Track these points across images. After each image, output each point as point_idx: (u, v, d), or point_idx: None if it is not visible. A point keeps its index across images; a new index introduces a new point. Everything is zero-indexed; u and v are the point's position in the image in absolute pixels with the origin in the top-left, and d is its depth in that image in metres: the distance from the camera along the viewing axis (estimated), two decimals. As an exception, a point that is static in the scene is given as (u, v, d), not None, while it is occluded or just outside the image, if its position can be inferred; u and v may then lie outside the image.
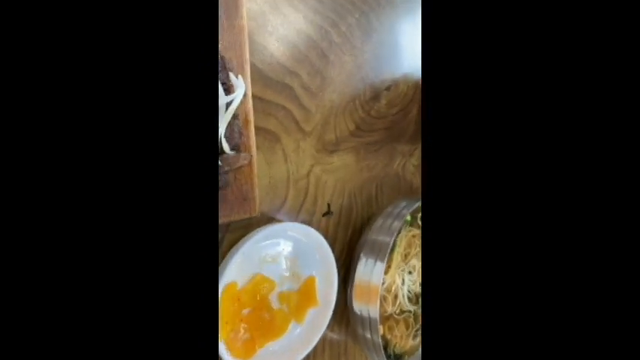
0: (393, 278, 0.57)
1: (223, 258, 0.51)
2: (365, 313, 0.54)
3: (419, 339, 0.63)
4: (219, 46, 0.46)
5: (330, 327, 0.58)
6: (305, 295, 0.55)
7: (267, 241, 0.52)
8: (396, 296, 0.58)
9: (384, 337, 0.57)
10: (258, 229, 0.51)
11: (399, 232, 0.57)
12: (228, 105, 0.45)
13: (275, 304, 0.54)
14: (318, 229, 0.56)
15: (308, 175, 0.58)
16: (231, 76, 0.46)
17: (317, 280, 0.56)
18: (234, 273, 0.49)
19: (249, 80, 0.48)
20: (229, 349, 0.49)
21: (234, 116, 0.46)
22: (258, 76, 0.51)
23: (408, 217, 0.59)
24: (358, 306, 0.55)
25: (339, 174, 0.61)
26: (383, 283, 0.55)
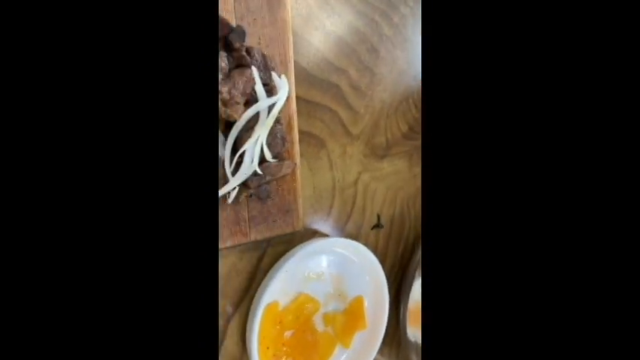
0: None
1: (264, 275, 0.46)
2: (421, 341, 0.48)
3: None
4: (261, 42, 0.42)
5: (379, 351, 0.52)
6: (352, 316, 0.50)
7: (311, 258, 0.47)
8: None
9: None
10: (301, 245, 0.46)
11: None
12: (270, 108, 0.40)
13: (319, 326, 0.49)
14: (366, 243, 0.51)
15: (355, 183, 0.52)
16: (274, 75, 0.41)
17: (365, 300, 0.50)
18: (276, 292, 0.45)
19: (292, 80, 0.44)
20: (271, 375, 0.44)
21: (277, 120, 0.41)
22: (302, 75, 0.46)
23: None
24: (413, 332, 0.50)
25: (389, 181, 0.55)
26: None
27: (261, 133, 0.39)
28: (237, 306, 0.45)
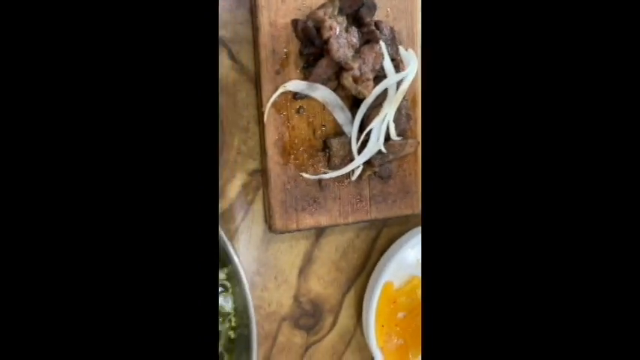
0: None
1: (379, 254, 0.46)
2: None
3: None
4: (389, 15, 0.40)
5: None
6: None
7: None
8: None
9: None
10: (418, 227, 0.45)
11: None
12: (398, 84, 0.39)
13: (431, 310, 0.48)
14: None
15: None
16: (401, 50, 0.40)
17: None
18: (391, 273, 0.44)
19: (419, 54, 0.42)
20: (384, 352, 0.45)
21: (403, 97, 0.40)
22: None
23: None
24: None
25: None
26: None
27: (389, 111, 0.38)
28: (352, 281, 0.46)
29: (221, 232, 0.29)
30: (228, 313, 0.34)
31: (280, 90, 0.38)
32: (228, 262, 0.32)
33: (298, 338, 0.45)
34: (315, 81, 0.38)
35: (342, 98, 0.39)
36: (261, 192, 0.42)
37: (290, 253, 0.44)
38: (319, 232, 0.44)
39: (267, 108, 0.38)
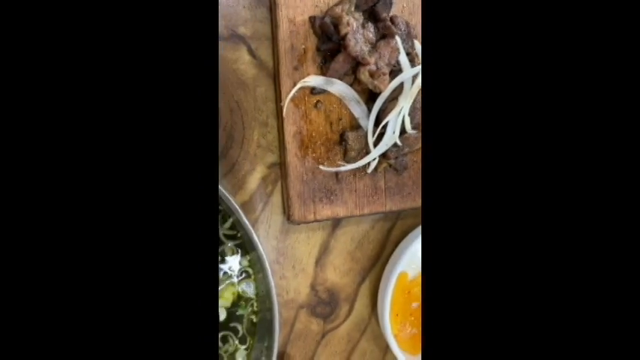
0: None
1: (394, 246, 0.47)
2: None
3: None
4: (404, 10, 0.41)
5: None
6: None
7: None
8: None
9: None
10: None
11: None
12: (414, 78, 0.40)
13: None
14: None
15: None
16: (417, 44, 0.41)
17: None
18: (406, 263, 0.45)
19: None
20: (398, 340, 0.46)
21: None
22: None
23: None
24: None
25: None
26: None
27: (404, 104, 0.39)
28: (367, 271, 0.47)
29: (245, 220, 0.31)
30: (251, 299, 0.36)
31: (299, 85, 0.39)
32: (251, 249, 0.34)
33: (315, 325, 0.47)
34: (332, 76, 0.39)
35: (359, 92, 0.40)
36: (279, 184, 0.44)
37: (307, 243, 0.45)
38: (335, 223, 0.46)
39: (286, 103, 0.40)
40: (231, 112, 0.42)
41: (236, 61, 0.41)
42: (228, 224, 0.35)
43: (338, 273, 0.47)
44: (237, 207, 0.31)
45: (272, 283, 0.31)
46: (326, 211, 0.42)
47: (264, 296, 0.35)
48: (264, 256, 0.31)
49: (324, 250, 0.46)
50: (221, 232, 0.35)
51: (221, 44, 0.41)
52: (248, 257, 0.35)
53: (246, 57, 0.42)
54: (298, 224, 0.42)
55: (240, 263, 0.36)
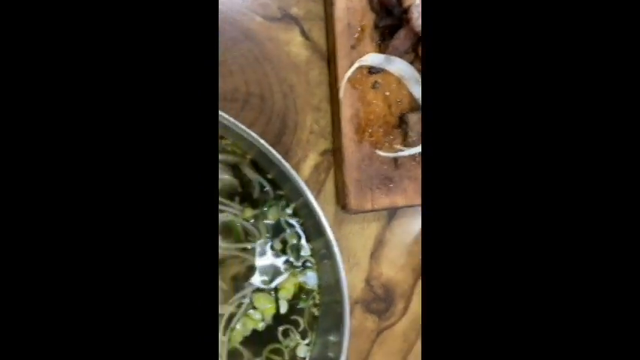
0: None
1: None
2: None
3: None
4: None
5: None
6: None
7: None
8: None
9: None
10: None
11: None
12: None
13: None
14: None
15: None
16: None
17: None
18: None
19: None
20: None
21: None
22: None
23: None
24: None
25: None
26: None
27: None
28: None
29: (315, 205, 0.29)
30: (312, 290, 0.33)
31: (356, 64, 0.37)
32: (315, 237, 0.32)
33: (370, 322, 0.44)
34: (393, 53, 0.37)
35: (419, 71, 0.38)
36: (332, 172, 0.42)
37: (361, 235, 0.43)
38: (391, 214, 0.43)
39: (343, 84, 0.38)
40: (285, 96, 0.40)
41: (288, 43, 0.40)
42: (289, 210, 0.33)
43: (394, 267, 0.44)
44: (308, 191, 0.28)
45: (342, 273, 0.29)
46: (384, 200, 0.39)
47: (326, 288, 0.33)
48: (334, 242, 0.29)
49: (379, 243, 0.43)
50: (282, 219, 0.33)
51: (273, 25, 0.40)
52: (310, 246, 0.33)
53: (298, 38, 0.40)
54: (354, 214, 0.40)
55: (301, 252, 0.34)
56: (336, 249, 0.29)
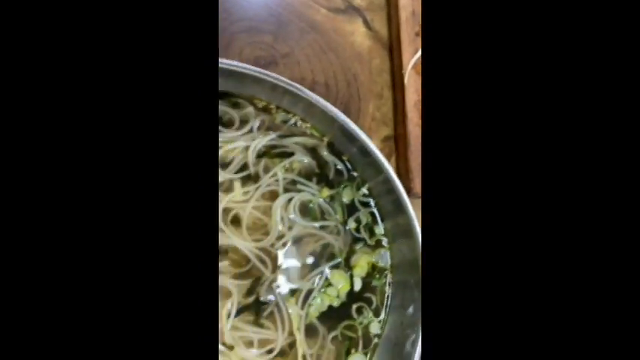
0: None
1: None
2: None
3: None
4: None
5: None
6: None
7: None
8: None
9: None
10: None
11: None
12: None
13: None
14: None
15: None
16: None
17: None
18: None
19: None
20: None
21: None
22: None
23: None
24: None
25: None
26: None
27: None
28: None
29: (396, 180, 0.29)
30: (385, 269, 0.34)
31: (421, 51, 0.38)
32: (388, 216, 0.32)
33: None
34: (458, 39, 0.38)
35: (483, 57, 0.39)
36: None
37: (422, 220, 0.44)
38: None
39: (408, 70, 0.39)
40: (348, 85, 0.41)
41: (353, 34, 0.41)
42: (364, 190, 0.34)
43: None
44: (389, 166, 0.29)
45: (420, 250, 0.29)
46: (447, 184, 0.40)
47: (398, 267, 0.34)
48: (415, 219, 0.30)
49: (440, 229, 0.44)
50: (356, 199, 0.34)
51: (337, 17, 0.41)
52: (383, 225, 0.34)
53: (361, 29, 0.41)
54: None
55: (375, 231, 0.35)
56: (416, 225, 0.29)
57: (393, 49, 0.41)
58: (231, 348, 0.33)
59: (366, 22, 0.41)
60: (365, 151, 0.30)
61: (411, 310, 0.32)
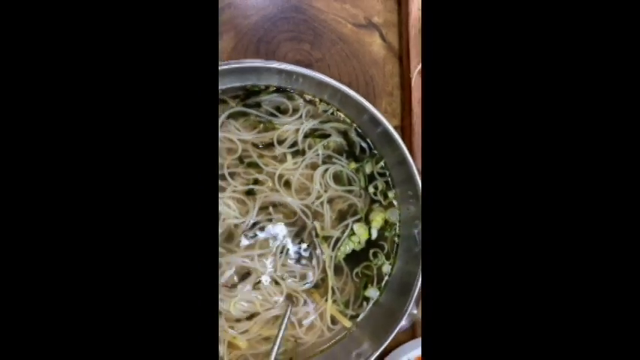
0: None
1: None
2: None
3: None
4: None
5: None
6: None
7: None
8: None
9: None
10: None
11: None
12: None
13: None
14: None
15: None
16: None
17: None
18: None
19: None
20: None
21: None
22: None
23: None
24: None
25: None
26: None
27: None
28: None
29: (409, 156, 0.41)
30: (394, 224, 0.45)
31: (425, 60, 0.50)
32: (398, 184, 0.44)
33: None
34: (453, 53, 0.49)
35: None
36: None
37: (420, 193, 0.55)
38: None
39: (414, 74, 0.50)
40: (366, 85, 0.52)
41: (371, 44, 0.52)
42: (381, 164, 0.46)
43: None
44: (404, 146, 0.41)
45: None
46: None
47: (404, 223, 0.45)
48: (420, 186, 0.41)
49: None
50: (375, 171, 0.46)
51: (360, 31, 0.52)
52: (394, 191, 0.46)
53: (378, 41, 0.52)
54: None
55: (388, 195, 0.46)
56: (420, 191, 0.41)
57: (403, 58, 0.52)
58: (283, 279, 0.44)
59: (382, 36, 0.52)
60: (385, 134, 0.41)
61: (409, 258, 0.43)
